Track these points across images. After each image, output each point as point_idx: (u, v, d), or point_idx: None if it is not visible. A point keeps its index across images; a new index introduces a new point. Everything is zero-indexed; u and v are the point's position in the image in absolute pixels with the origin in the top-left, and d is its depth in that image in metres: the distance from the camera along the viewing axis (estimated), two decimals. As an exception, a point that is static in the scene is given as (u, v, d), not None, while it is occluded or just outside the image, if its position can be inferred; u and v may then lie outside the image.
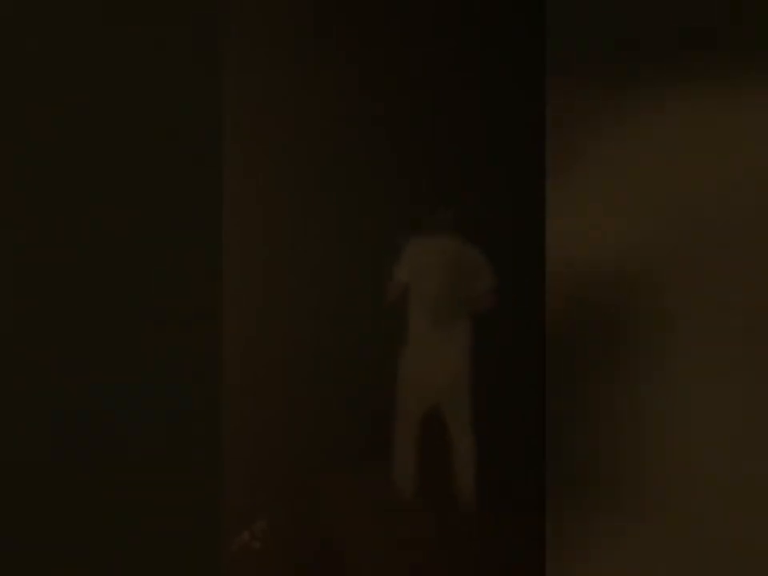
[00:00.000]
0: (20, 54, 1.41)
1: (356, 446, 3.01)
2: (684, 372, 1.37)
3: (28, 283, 1.41)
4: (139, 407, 1.43)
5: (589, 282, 1.41)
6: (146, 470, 1.42)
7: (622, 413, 1.38)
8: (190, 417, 1.44)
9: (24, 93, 1.41)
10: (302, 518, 2.60)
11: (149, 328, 1.44)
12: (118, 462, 1.42)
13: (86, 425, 1.41)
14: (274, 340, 3.18)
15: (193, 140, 1.46)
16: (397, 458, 2.70)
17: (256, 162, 3.09)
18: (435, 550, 2.43)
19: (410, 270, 2.67)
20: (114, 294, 1.44)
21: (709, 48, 1.42)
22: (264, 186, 3.15)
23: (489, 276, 2.68)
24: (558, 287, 1.42)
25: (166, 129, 1.46)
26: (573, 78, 1.44)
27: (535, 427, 1.86)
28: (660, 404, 1.37)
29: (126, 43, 1.44)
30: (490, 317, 2.68)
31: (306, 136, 3.28)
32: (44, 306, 1.42)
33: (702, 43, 1.42)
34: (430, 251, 2.70)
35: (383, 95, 3.34)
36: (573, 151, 1.44)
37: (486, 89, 3.41)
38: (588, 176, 1.43)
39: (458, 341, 2.67)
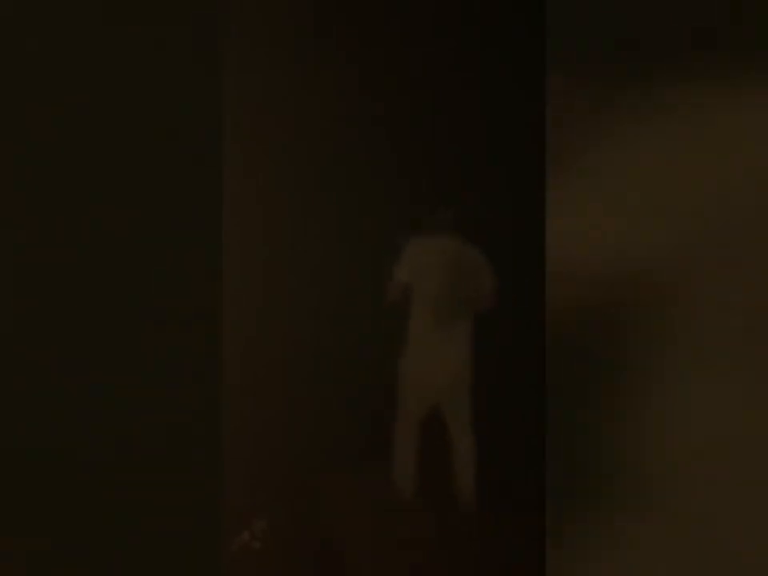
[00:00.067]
0: (20, 53, 1.41)
1: (356, 446, 3.01)
2: (684, 371, 1.37)
3: (28, 283, 1.41)
4: (139, 407, 1.43)
5: (589, 282, 1.41)
6: (146, 470, 1.42)
7: (621, 413, 1.38)
8: (190, 417, 1.44)
9: (24, 93, 1.41)
10: (302, 517, 2.60)
11: (149, 328, 1.44)
12: (118, 461, 1.42)
13: (86, 425, 1.41)
14: (273, 340, 3.18)
15: (193, 140, 1.46)
16: (397, 458, 2.70)
17: (256, 162, 3.09)
18: (435, 550, 2.42)
19: (410, 270, 2.66)
20: (114, 294, 1.44)
21: (709, 48, 1.42)
22: (264, 186, 3.15)
23: (489, 276, 2.68)
24: (557, 287, 1.42)
25: (166, 129, 1.46)
26: (573, 77, 1.44)
27: (535, 427, 1.86)
28: (660, 404, 1.37)
29: (126, 43, 1.44)
30: (490, 317, 2.68)
31: (306, 136, 3.28)
32: (44, 305, 1.42)
33: (702, 43, 1.42)
34: (430, 251, 2.70)
35: (383, 95, 3.34)
36: (573, 151, 1.44)
37: (486, 89, 3.41)
38: (588, 176, 1.43)
39: (459, 341, 2.67)
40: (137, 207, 1.45)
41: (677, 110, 1.42)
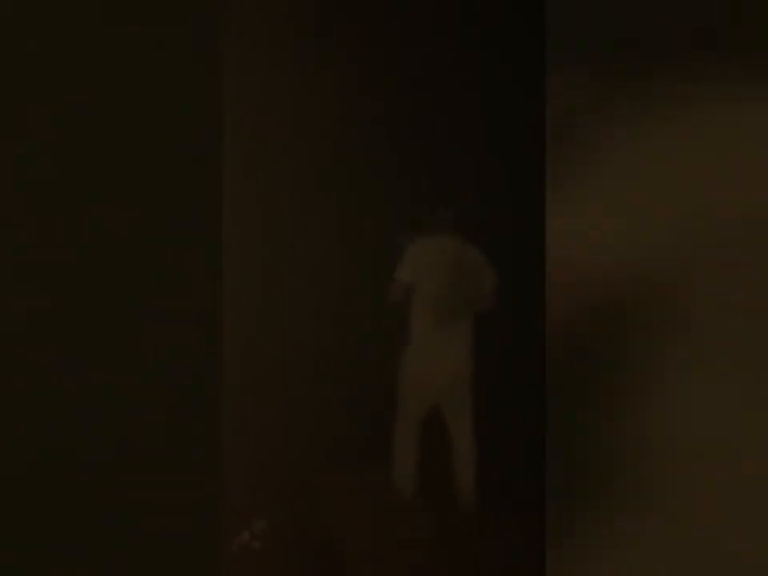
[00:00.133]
0: (20, 53, 1.41)
1: (356, 446, 3.01)
2: (684, 371, 1.37)
3: (28, 283, 1.41)
4: (139, 407, 1.43)
5: (589, 282, 1.41)
6: (146, 470, 1.42)
7: (622, 413, 1.38)
8: (190, 417, 1.44)
9: (24, 93, 1.41)
10: (302, 517, 2.60)
11: (149, 328, 1.44)
12: (118, 461, 1.42)
13: (86, 424, 1.41)
14: (274, 340, 3.18)
15: (193, 140, 1.46)
16: (397, 458, 2.70)
17: (256, 161, 3.09)
18: (435, 550, 2.43)
19: (411, 270, 2.66)
20: (114, 294, 1.44)
21: (709, 48, 1.42)
22: (264, 186, 3.15)
23: (490, 276, 2.68)
24: (557, 287, 1.43)
25: (166, 129, 1.46)
26: (573, 77, 1.44)
27: (535, 427, 1.86)
28: (660, 404, 1.37)
29: (126, 43, 1.44)
30: (490, 317, 2.68)
31: (306, 136, 3.28)
32: (44, 305, 1.42)
33: (702, 43, 1.42)
34: (430, 251, 2.70)
35: (383, 95, 3.34)
36: (573, 151, 1.44)
37: (486, 89, 3.41)
38: (588, 176, 1.43)
39: (459, 341, 2.67)
40: (137, 207, 1.45)
41: (677, 110, 1.42)
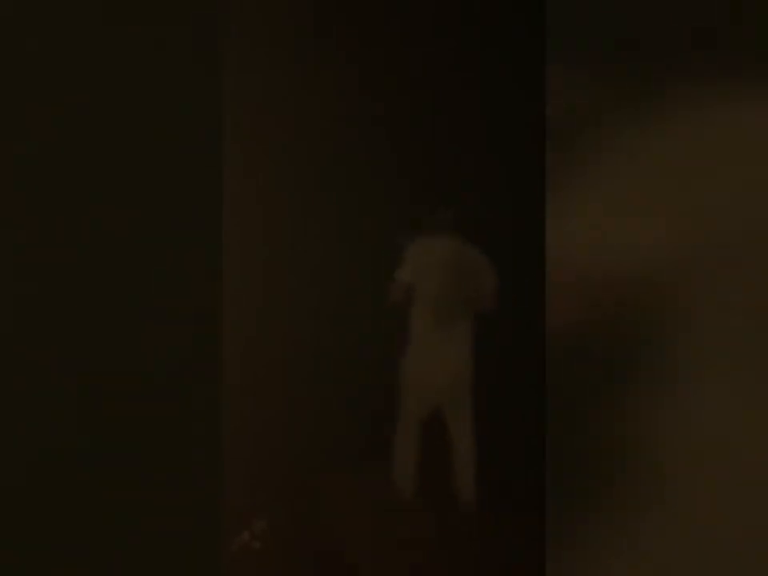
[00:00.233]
0: (20, 53, 1.41)
1: (356, 446, 3.01)
2: (684, 372, 1.37)
3: (28, 283, 1.41)
4: (139, 407, 1.43)
5: (589, 282, 1.41)
6: (146, 470, 1.42)
7: (621, 413, 1.38)
8: (190, 417, 1.44)
9: (24, 93, 1.41)
10: (302, 517, 2.60)
11: (149, 328, 1.44)
12: (119, 461, 1.42)
13: (86, 424, 1.41)
14: (274, 340, 3.18)
15: (193, 140, 1.46)
16: (397, 458, 2.70)
17: (256, 161, 3.09)
18: (435, 550, 2.43)
19: (412, 270, 2.66)
20: (114, 294, 1.44)
21: (709, 48, 1.42)
22: (264, 186, 3.16)
23: (490, 276, 2.68)
24: (557, 287, 1.42)
25: (166, 129, 1.46)
26: (573, 78, 1.44)
27: (535, 427, 1.86)
28: (660, 403, 1.37)
29: (126, 43, 1.44)
30: (490, 317, 2.68)
31: (306, 136, 3.28)
32: (44, 305, 1.42)
33: (702, 43, 1.42)
34: (431, 252, 2.70)
35: (383, 95, 3.34)
36: (573, 151, 1.44)
37: (486, 89, 3.41)
38: (588, 176, 1.43)
39: (460, 341, 2.67)
40: (137, 207, 1.45)
41: (677, 110, 1.42)
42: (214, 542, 1.44)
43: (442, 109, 3.43)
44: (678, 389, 1.37)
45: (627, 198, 1.42)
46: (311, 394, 3.18)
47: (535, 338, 1.95)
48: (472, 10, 3.36)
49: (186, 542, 1.43)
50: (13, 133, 1.41)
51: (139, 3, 1.45)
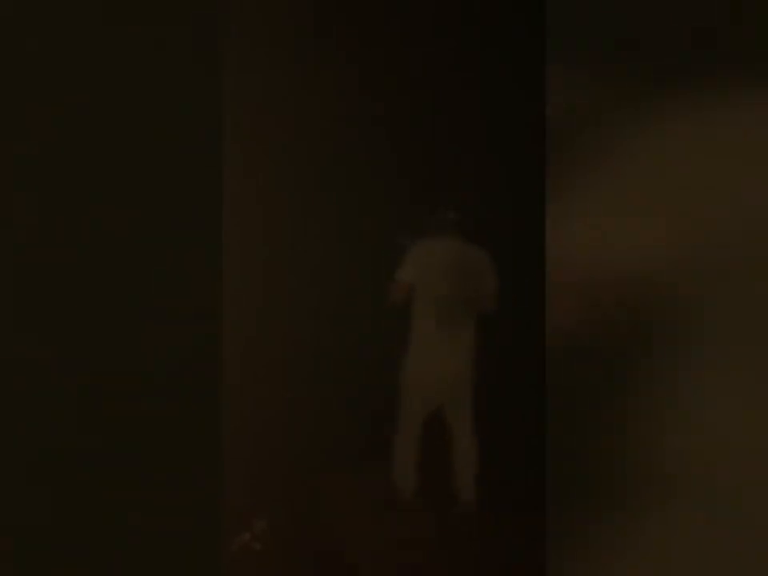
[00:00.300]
0: (20, 53, 1.41)
1: (356, 446, 3.01)
2: (684, 371, 1.37)
3: (28, 283, 1.41)
4: (139, 407, 1.43)
5: (589, 282, 1.41)
6: (146, 470, 1.42)
7: (622, 412, 1.38)
8: (190, 416, 1.44)
9: (24, 93, 1.41)
10: (302, 517, 2.60)
11: (149, 328, 1.44)
12: (119, 461, 1.42)
13: (86, 424, 1.41)
14: (274, 340, 3.18)
15: (193, 140, 1.46)
16: (397, 458, 2.70)
17: (256, 161, 3.09)
18: (435, 550, 2.43)
19: (413, 270, 2.66)
20: (114, 293, 1.44)
21: (709, 48, 1.42)
22: (264, 186, 3.16)
23: (492, 276, 2.68)
24: (558, 287, 1.42)
25: (167, 129, 1.46)
26: (573, 78, 1.44)
27: (535, 427, 1.86)
28: (660, 403, 1.37)
29: (126, 43, 1.44)
30: (490, 317, 2.68)
31: (306, 136, 3.28)
32: (44, 305, 1.42)
33: (702, 43, 1.42)
34: (432, 252, 2.70)
35: (383, 95, 3.34)
36: (573, 151, 1.44)
37: (486, 89, 3.41)
38: (588, 176, 1.43)
39: (461, 341, 2.67)
40: (137, 207, 1.45)
41: (677, 110, 1.42)
42: (214, 542, 1.44)
43: (442, 109, 3.43)
44: (678, 388, 1.37)
45: (627, 198, 1.42)
46: (311, 394, 3.18)
47: (535, 338, 1.95)
48: (472, 9, 3.36)
49: (186, 541, 1.43)
50: (13, 133, 1.41)
51: (139, 3, 1.45)
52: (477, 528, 2.58)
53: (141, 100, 1.45)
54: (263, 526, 2.41)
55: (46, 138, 1.42)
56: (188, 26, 1.46)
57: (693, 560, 1.34)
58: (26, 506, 1.40)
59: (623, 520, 1.36)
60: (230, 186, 1.57)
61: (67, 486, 1.41)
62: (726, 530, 1.33)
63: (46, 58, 1.42)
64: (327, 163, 3.31)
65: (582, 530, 1.37)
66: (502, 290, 2.68)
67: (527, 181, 2.66)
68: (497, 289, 2.67)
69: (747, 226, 1.37)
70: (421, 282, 2.66)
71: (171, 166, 1.46)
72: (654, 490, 1.36)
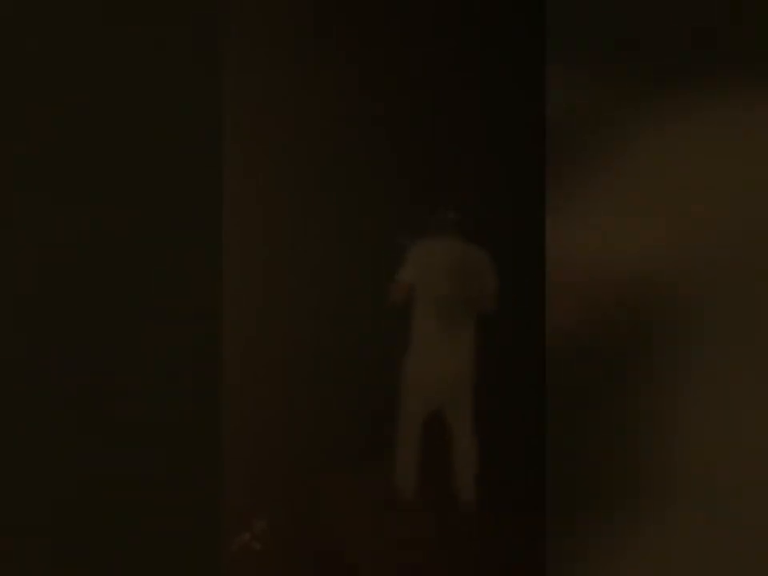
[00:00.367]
0: (20, 53, 1.41)
1: (356, 446, 3.01)
2: (685, 371, 1.37)
3: (28, 283, 1.41)
4: (139, 407, 1.43)
5: (589, 282, 1.41)
6: (146, 470, 1.42)
7: (622, 412, 1.38)
8: (190, 417, 1.44)
9: (24, 93, 1.41)
10: (302, 517, 2.60)
11: (149, 328, 1.44)
12: (118, 461, 1.42)
13: (85, 424, 1.41)
14: (274, 340, 3.18)
15: (193, 140, 1.46)
16: (398, 458, 2.70)
17: (256, 161, 3.09)
18: (435, 550, 2.43)
19: (414, 271, 2.66)
20: (114, 293, 1.44)
21: (709, 48, 1.42)
22: (264, 186, 3.16)
23: (492, 277, 2.68)
24: (558, 287, 1.42)
25: (166, 129, 1.46)
26: (573, 78, 1.44)
27: (535, 427, 1.86)
28: (660, 403, 1.37)
29: (126, 43, 1.44)
30: (490, 317, 2.68)
31: (306, 136, 3.28)
32: (43, 305, 1.42)
33: (702, 43, 1.42)
34: (432, 252, 2.70)
35: (383, 95, 3.34)
36: (573, 151, 1.44)
37: (486, 89, 3.41)
38: (588, 176, 1.43)
39: (461, 341, 2.67)
40: (137, 207, 1.45)
41: (677, 110, 1.42)
42: (214, 542, 1.44)
43: (442, 109, 3.43)
44: (678, 388, 1.37)
45: (627, 198, 1.42)
46: (311, 394, 3.18)
47: (535, 338, 1.95)
48: (472, 9, 3.36)
49: (186, 541, 1.43)
50: (13, 133, 1.41)
51: (139, 3, 1.45)
52: (477, 528, 2.58)
53: (141, 100, 1.45)
54: (263, 526, 2.41)
55: (46, 138, 1.42)
56: (188, 26, 1.46)
57: (693, 560, 1.34)
58: (26, 505, 1.40)
59: (623, 520, 1.36)
60: (230, 185, 1.57)
61: (67, 485, 1.41)
62: (726, 530, 1.33)
63: (46, 58, 1.42)
64: (327, 163, 3.31)
65: (581, 530, 1.37)
66: (502, 289, 2.69)
67: (527, 181, 2.66)
68: (497, 289, 2.68)
69: (747, 226, 1.37)
70: (421, 282, 2.66)
71: (171, 166, 1.46)
72: (654, 490, 1.36)
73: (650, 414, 1.37)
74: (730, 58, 1.41)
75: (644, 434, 1.37)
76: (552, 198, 1.44)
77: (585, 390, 1.40)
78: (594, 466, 1.38)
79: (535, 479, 1.83)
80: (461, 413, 2.67)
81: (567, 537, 1.38)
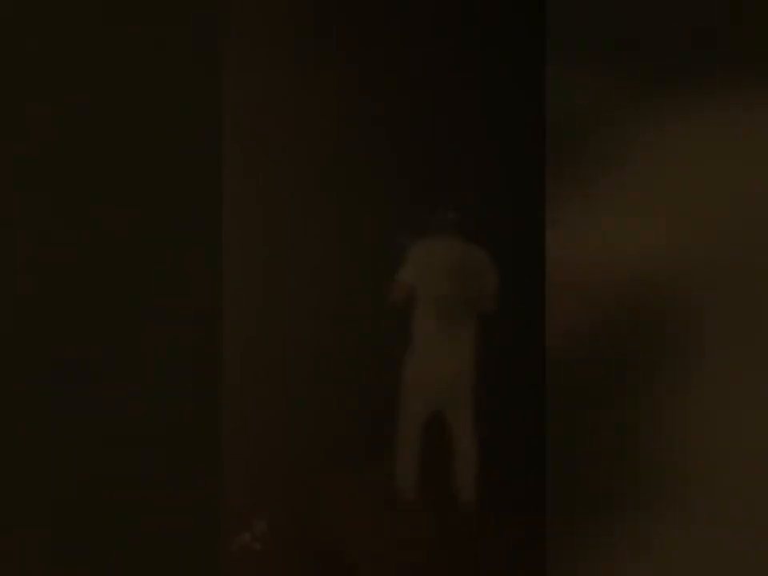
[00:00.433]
0: (20, 53, 1.41)
1: (356, 446, 3.01)
2: (685, 371, 1.37)
3: (28, 283, 1.41)
4: (139, 407, 1.43)
5: (589, 282, 1.41)
6: (146, 470, 1.42)
7: (622, 413, 1.38)
8: (190, 417, 1.44)
9: (24, 93, 1.41)
10: (302, 517, 2.60)
11: (149, 328, 1.44)
12: (118, 461, 1.42)
13: (86, 424, 1.41)
14: (274, 340, 3.18)
15: (193, 140, 1.46)
16: (398, 459, 2.70)
17: (256, 161, 3.09)
18: (435, 550, 2.43)
19: (415, 271, 2.66)
20: (114, 294, 1.44)
21: (709, 48, 1.42)
22: (264, 186, 3.16)
23: (493, 277, 2.68)
24: (558, 287, 1.42)
25: (166, 129, 1.46)
26: (573, 78, 1.44)
27: (535, 427, 1.86)
28: (660, 403, 1.37)
29: (126, 43, 1.44)
30: (490, 317, 2.68)
31: (306, 136, 3.28)
32: (44, 306, 1.42)
33: (702, 43, 1.42)
34: (433, 252, 2.70)
35: (383, 95, 3.34)
36: (573, 151, 1.44)
37: (486, 89, 3.41)
38: (588, 176, 1.43)
39: (462, 342, 2.67)
40: (137, 207, 1.45)
41: (677, 110, 1.42)
42: (214, 542, 1.44)
43: (442, 109, 3.43)
44: (678, 388, 1.37)
45: (627, 198, 1.42)
46: (311, 394, 3.18)
47: (535, 338, 1.95)
48: (472, 9, 3.36)
49: (186, 541, 1.43)
50: (13, 133, 1.41)
51: (139, 3, 1.45)
52: (477, 528, 2.58)
53: (141, 100, 1.45)
54: (263, 526, 2.41)
55: (46, 138, 1.42)
56: (188, 26, 1.46)
57: (693, 560, 1.34)
58: (26, 505, 1.40)
59: (623, 520, 1.36)
60: (230, 185, 1.58)
61: (67, 485, 1.41)
62: (726, 530, 1.33)
63: (46, 58, 1.42)
64: (327, 163, 3.31)
65: (582, 530, 1.37)
66: (502, 289, 2.69)
67: (527, 181, 2.66)
68: (497, 289, 2.68)
69: (747, 226, 1.37)
70: (421, 282, 2.66)
71: (171, 166, 1.46)
72: (654, 490, 1.36)
73: (650, 414, 1.37)
74: (730, 58, 1.41)
75: (644, 434, 1.37)
76: (552, 199, 1.44)
77: (585, 390, 1.40)
78: (593, 466, 1.38)
79: (535, 479, 1.83)
80: (461, 413, 2.67)
81: (567, 537, 1.38)
